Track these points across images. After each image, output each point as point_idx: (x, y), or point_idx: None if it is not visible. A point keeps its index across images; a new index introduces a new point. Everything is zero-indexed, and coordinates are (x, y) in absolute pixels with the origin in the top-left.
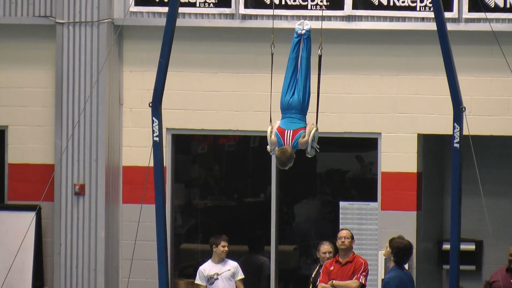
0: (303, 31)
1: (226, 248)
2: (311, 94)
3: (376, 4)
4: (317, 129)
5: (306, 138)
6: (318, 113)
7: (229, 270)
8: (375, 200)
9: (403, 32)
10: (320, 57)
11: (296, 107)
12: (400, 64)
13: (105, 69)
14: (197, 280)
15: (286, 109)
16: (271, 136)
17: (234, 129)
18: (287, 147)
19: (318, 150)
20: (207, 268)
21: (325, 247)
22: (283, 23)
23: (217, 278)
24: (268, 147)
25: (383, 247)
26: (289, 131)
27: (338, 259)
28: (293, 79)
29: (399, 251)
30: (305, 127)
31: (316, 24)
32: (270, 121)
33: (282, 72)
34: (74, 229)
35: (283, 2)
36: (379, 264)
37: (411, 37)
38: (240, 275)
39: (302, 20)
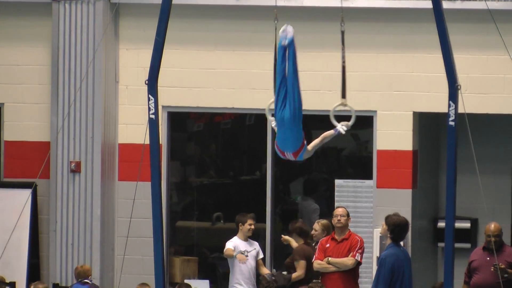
0: (286, 41)
1: (252, 226)
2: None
3: None
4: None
5: (311, 148)
6: (345, 89)
7: (255, 249)
8: (370, 178)
9: (399, 10)
10: (343, 32)
11: (289, 121)
12: (396, 42)
13: (102, 46)
14: (231, 246)
15: (280, 125)
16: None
17: (230, 106)
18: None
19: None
20: (238, 243)
21: (314, 225)
22: (281, 0)
23: (247, 256)
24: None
25: (379, 225)
26: (288, 153)
27: (334, 236)
28: (282, 91)
29: (396, 227)
30: (303, 143)
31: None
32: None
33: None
34: (70, 207)
35: None
36: (374, 241)
37: (407, 15)
38: (261, 255)
39: (284, 26)
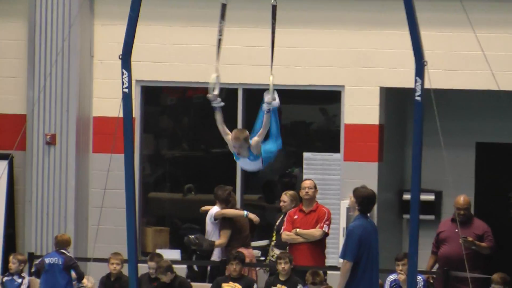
0: (270, 108)
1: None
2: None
3: None
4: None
5: (255, 143)
6: (273, 65)
7: None
8: (338, 151)
9: None
10: (274, 7)
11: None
12: (364, 19)
13: (77, 22)
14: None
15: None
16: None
17: (202, 81)
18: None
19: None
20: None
21: (282, 196)
22: None
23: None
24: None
25: (346, 197)
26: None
27: (302, 208)
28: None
29: (364, 199)
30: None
31: None
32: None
33: (252, 25)
34: (45, 178)
35: None
36: (341, 213)
37: None
38: None
39: (271, 94)
